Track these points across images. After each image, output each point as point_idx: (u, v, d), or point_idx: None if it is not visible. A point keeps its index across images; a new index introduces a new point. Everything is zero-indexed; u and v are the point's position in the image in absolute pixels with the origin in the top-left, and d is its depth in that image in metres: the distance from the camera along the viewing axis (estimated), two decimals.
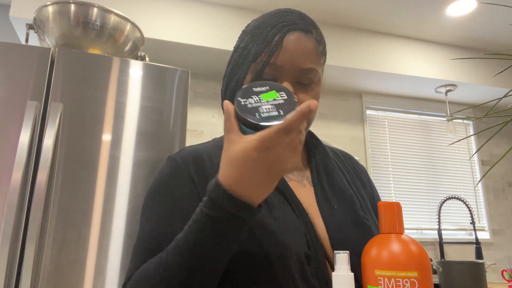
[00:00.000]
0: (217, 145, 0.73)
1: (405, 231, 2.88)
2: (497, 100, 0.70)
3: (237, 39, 2.47)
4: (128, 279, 0.60)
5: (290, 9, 0.73)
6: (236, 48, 0.73)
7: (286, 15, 0.70)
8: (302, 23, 0.69)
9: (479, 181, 2.94)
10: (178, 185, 0.65)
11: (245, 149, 0.48)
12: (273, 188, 0.50)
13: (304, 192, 0.69)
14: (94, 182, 1.26)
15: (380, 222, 0.52)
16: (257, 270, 0.56)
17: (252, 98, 0.53)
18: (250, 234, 0.58)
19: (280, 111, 0.51)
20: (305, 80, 0.68)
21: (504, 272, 2.18)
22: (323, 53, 0.72)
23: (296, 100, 0.53)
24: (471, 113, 3.35)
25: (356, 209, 0.68)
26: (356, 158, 1.02)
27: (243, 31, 0.74)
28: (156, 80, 1.43)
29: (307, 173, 0.74)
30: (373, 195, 0.80)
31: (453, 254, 2.96)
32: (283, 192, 0.65)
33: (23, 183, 1.18)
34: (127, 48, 1.57)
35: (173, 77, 1.45)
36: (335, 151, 0.84)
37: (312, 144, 0.78)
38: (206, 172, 0.67)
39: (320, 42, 0.71)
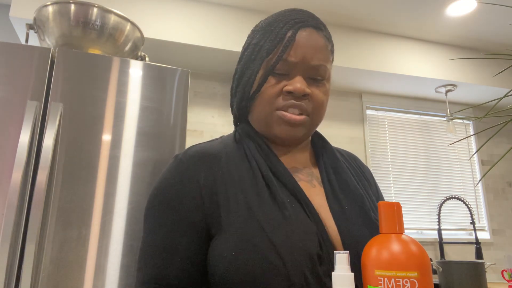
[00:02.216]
0: (224, 142, 0.72)
1: (405, 231, 2.88)
2: (497, 100, 0.71)
3: (237, 39, 2.49)
4: None
5: (300, 8, 0.74)
6: (248, 45, 0.74)
7: (297, 13, 0.71)
8: (313, 21, 0.70)
9: (479, 181, 2.94)
10: (185, 194, 0.64)
11: None
12: None
13: (314, 192, 0.69)
14: (94, 182, 1.26)
15: (380, 222, 0.52)
16: (271, 270, 0.56)
17: None
18: (263, 234, 0.58)
19: None
20: (316, 75, 0.68)
21: (504, 272, 2.18)
22: (332, 51, 0.73)
23: None
24: (471, 113, 3.35)
25: (367, 210, 0.68)
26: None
27: (253, 30, 0.75)
28: (156, 80, 1.43)
29: (316, 172, 0.73)
30: (378, 195, 0.80)
31: (453, 254, 2.96)
32: (294, 192, 0.65)
33: (23, 183, 1.18)
34: (127, 48, 1.57)
35: (173, 77, 1.45)
36: (340, 151, 0.84)
37: (319, 144, 0.78)
38: (214, 173, 0.66)
39: (329, 40, 0.72)
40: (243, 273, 0.56)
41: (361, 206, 0.68)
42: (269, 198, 0.62)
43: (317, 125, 0.72)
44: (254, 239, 0.58)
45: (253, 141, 0.71)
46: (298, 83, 0.66)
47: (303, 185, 0.69)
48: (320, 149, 0.77)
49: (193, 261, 0.62)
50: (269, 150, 0.69)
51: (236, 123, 0.79)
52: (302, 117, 0.67)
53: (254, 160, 0.67)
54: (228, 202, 0.62)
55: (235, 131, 0.76)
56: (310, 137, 0.79)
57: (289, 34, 0.67)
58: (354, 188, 0.70)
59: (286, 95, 0.67)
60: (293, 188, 0.65)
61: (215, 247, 0.61)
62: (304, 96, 0.67)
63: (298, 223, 0.60)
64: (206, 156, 0.68)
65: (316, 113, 0.69)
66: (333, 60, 0.75)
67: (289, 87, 0.66)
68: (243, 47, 0.76)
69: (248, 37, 0.76)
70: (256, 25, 0.76)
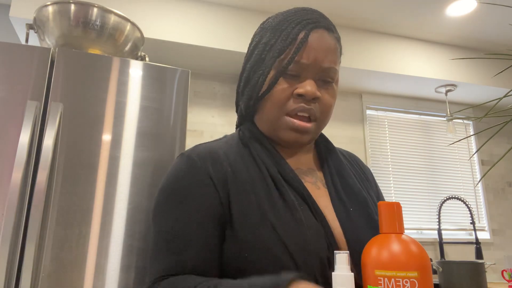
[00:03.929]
0: (229, 143, 0.72)
1: (405, 231, 2.88)
2: (497, 100, 0.71)
3: (237, 39, 2.49)
4: (154, 282, 0.60)
5: (310, 8, 0.73)
6: (257, 43, 0.72)
7: (308, 13, 0.70)
8: (324, 21, 0.70)
9: (479, 181, 2.93)
10: (197, 184, 0.64)
11: None
12: None
13: (319, 194, 0.69)
14: (94, 182, 1.26)
15: (380, 222, 0.52)
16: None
17: None
18: (276, 237, 0.58)
19: None
20: (327, 78, 0.68)
21: (504, 272, 2.18)
22: (341, 53, 0.73)
23: None
24: (471, 113, 3.35)
25: (371, 212, 0.68)
26: None
27: (262, 28, 0.73)
28: (156, 80, 1.43)
29: (320, 174, 0.73)
30: (378, 195, 0.80)
31: (453, 254, 2.96)
32: (301, 193, 0.64)
33: (23, 183, 1.18)
34: (127, 48, 1.57)
35: (173, 77, 1.45)
36: (342, 152, 0.83)
37: (323, 146, 0.78)
38: (224, 169, 0.65)
39: (339, 41, 0.72)
40: (255, 275, 0.56)
41: (365, 209, 0.68)
42: (279, 199, 0.62)
43: (322, 128, 0.72)
44: (267, 241, 0.57)
45: (259, 142, 0.70)
46: (309, 86, 0.66)
47: (308, 186, 0.69)
48: (324, 151, 0.77)
49: (211, 248, 0.61)
50: (275, 152, 0.69)
51: (240, 122, 0.79)
52: (310, 124, 0.67)
53: (262, 161, 0.67)
54: (240, 201, 0.62)
55: (239, 131, 0.75)
56: None
57: (301, 35, 0.66)
58: (358, 191, 0.70)
59: (296, 98, 0.67)
60: (300, 190, 0.65)
61: (227, 246, 0.60)
62: (314, 99, 0.67)
63: (308, 226, 0.60)
64: (214, 154, 0.68)
65: (323, 118, 0.70)
66: (340, 62, 0.75)
67: (300, 90, 0.66)
68: (250, 44, 0.75)
69: (255, 34, 0.75)
70: (264, 22, 0.74)
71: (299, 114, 0.67)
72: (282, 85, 0.67)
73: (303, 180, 0.69)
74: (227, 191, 0.63)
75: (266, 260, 0.56)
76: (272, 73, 0.68)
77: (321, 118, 0.69)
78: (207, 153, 0.67)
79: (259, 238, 0.58)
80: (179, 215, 0.62)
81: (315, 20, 0.68)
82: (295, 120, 0.67)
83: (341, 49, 0.73)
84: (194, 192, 0.63)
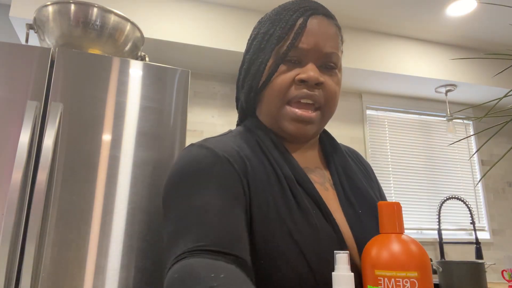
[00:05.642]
0: (237, 137, 0.68)
1: (405, 231, 2.88)
2: (497, 100, 0.70)
3: (237, 39, 2.49)
4: (173, 264, 0.49)
5: None
6: (255, 35, 0.71)
7: (306, 1, 0.69)
8: (323, 9, 0.68)
9: (479, 181, 2.93)
10: (220, 164, 0.58)
11: None
12: None
13: (328, 196, 0.67)
14: (94, 182, 1.26)
15: (380, 222, 0.52)
16: (301, 281, 0.54)
17: None
18: (293, 243, 0.56)
19: None
20: (329, 63, 0.66)
21: (504, 272, 2.18)
22: (342, 41, 0.71)
23: None
24: (471, 113, 3.35)
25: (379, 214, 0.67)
26: None
27: (260, 21, 0.72)
28: (156, 80, 1.43)
29: (327, 174, 0.71)
30: (380, 192, 0.79)
31: (453, 254, 2.96)
32: (314, 196, 0.62)
33: (23, 183, 1.18)
34: (127, 48, 1.57)
35: (173, 77, 1.45)
36: (343, 149, 0.81)
37: (328, 143, 0.76)
38: (243, 160, 0.61)
39: (340, 29, 0.70)
40: (271, 282, 0.55)
41: (373, 211, 0.67)
42: (294, 203, 0.60)
43: (328, 119, 0.69)
44: (284, 250, 0.56)
45: (268, 137, 0.67)
46: (311, 71, 0.63)
47: (317, 187, 0.67)
48: (330, 149, 0.75)
49: (241, 228, 0.54)
50: (284, 149, 0.66)
51: (241, 118, 0.76)
52: (314, 113, 0.65)
53: (274, 159, 0.64)
54: (259, 202, 0.59)
55: (244, 126, 0.72)
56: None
57: (300, 21, 0.65)
58: (365, 192, 0.69)
59: (298, 84, 0.64)
60: (312, 193, 0.63)
61: None
62: (317, 85, 0.64)
63: (322, 232, 0.58)
64: (228, 146, 0.63)
65: (328, 105, 0.67)
66: (342, 51, 0.72)
67: (302, 75, 0.63)
68: (249, 38, 0.73)
69: (254, 28, 0.73)
70: (262, 17, 0.73)
71: (303, 101, 0.64)
72: (283, 72, 0.65)
73: (312, 181, 0.67)
74: (248, 183, 0.59)
75: (282, 268, 0.55)
76: (271, 61, 0.66)
77: (326, 106, 0.66)
78: (221, 145, 0.63)
79: (276, 246, 0.56)
80: (203, 192, 0.55)
81: (313, 7, 0.67)
82: (297, 110, 0.64)
83: (342, 37, 0.71)
84: (218, 170, 0.57)
